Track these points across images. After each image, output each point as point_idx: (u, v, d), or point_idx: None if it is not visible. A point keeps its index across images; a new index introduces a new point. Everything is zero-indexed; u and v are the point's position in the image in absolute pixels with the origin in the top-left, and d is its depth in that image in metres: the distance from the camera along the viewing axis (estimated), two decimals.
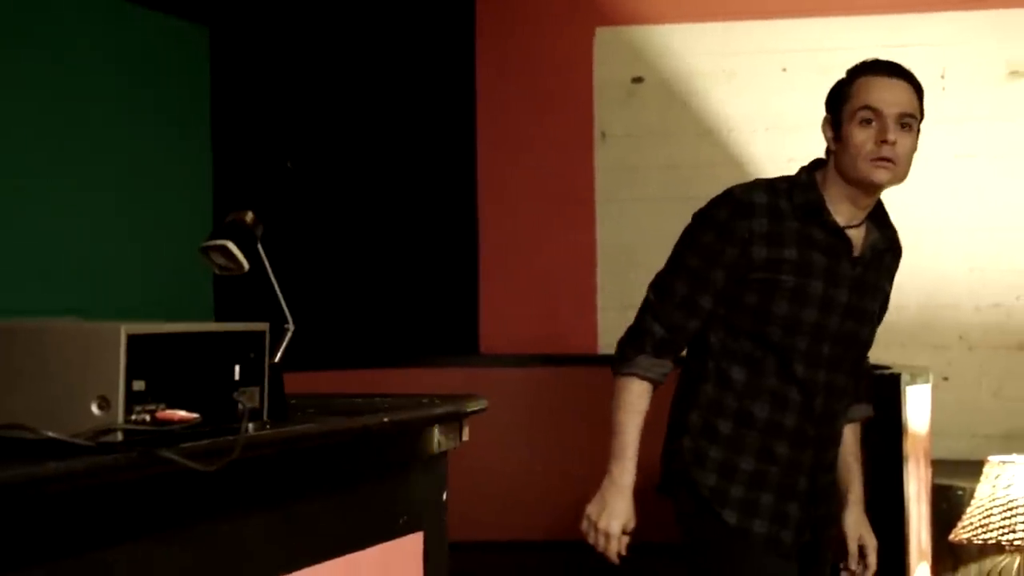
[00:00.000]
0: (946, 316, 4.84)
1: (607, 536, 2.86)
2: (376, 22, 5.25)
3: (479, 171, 5.24)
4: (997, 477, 4.41)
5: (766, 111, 5.01)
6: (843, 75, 2.84)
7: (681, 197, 5.08)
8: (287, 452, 2.01)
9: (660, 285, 2.84)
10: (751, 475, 2.78)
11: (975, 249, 4.81)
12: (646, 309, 2.85)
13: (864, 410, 3.01)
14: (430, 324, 5.21)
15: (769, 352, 2.74)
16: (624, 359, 2.86)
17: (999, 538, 4.37)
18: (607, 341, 5.12)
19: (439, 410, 2.51)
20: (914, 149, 2.76)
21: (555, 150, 5.19)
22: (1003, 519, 4.36)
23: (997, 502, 4.38)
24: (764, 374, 2.75)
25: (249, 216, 2.26)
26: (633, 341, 2.85)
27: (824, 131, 2.83)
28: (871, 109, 2.72)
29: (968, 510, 4.47)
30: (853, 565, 2.96)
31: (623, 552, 2.86)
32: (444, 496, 2.63)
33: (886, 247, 2.85)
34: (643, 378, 2.84)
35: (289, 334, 2.24)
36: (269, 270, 2.25)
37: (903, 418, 4.09)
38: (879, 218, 2.84)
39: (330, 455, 2.15)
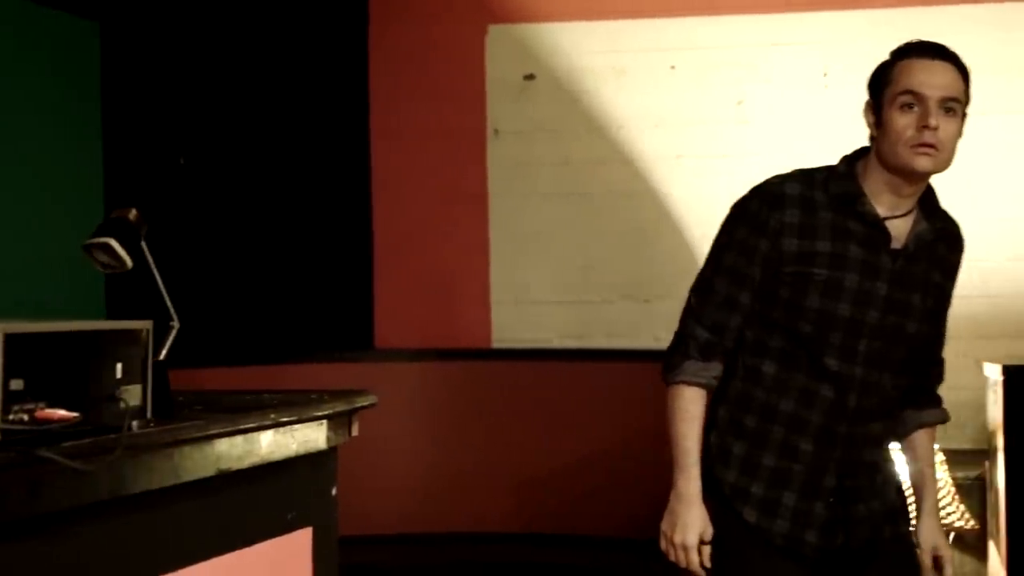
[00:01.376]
0: None
1: (685, 549, 2.73)
2: (268, 18, 5.25)
3: (373, 167, 5.26)
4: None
5: (655, 108, 5.09)
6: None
7: (572, 192, 5.16)
8: (172, 449, 2.02)
9: (700, 286, 2.77)
10: (772, 472, 2.68)
11: None
12: (688, 313, 2.77)
13: (936, 415, 2.88)
14: (325, 320, 5.22)
15: (801, 347, 2.64)
16: (672, 367, 2.77)
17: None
18: (500, 335, 5.17)
19: (327, 406, 2.53)
20: (959, 135, 2.62)
21: (448, 146, 5.23)
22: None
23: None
24: (795, 369, 2.65)
25: (133, 213, 2.27)
26: (679, 347, 2.76)
27: (865, 116, 2.70)
28: (913, 93, 2.59)
29: None
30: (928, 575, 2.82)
31: (706, 563, 2.72)
32: (334, 491, 2.65)
33: (936, 238, 2.69)
34: (693, 384, 2.74)
35: (174, 331, 2.25)
36: (153, 267, 2.26)
37: None
38: (929, 207, 2.70)
39: (216, 452, 2.17)
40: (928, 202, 2.70)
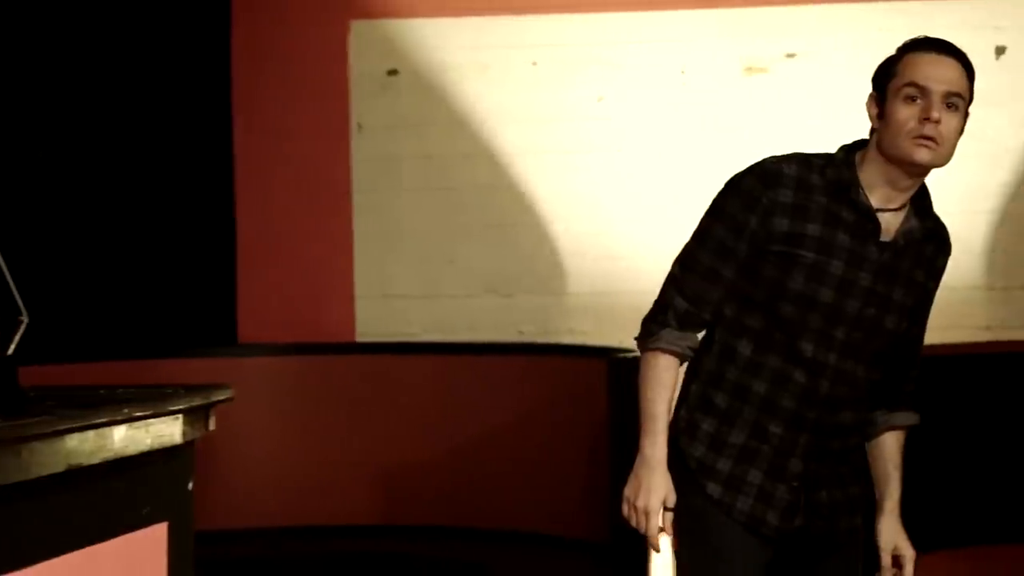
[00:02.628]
0: None
1: (647, 514, 2.67)
2: (131, 13, 5.20)
3: (236, 163, 5.25)
4: None
5: (517, 103, 5.14)
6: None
7: (436, 187, 5.19)
8: (20, 445, 2.01)
9: (685, 257, 2.71)
10: (740, 449, 2.65)
11: None
12: (670, 282, 2.72)
13: (907, 417, 2.83)
14: (188, 315, 5.20)
15: (778, 328, 2.62)
16: (648, 334, 2.71)
17: None
18: (364, 329, 5.19)
19: (183, 400, 2.51)
20: (960, 131, 2.60)
21: (312, 141, 5.23)
22: None
23: None
24: (770, 351, 2.63)
25: None
26: (657, 315, 2.71)
27: (868, 108, 2.67)
28: (917, 86, 2.58)
29: None
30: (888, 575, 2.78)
31: (666, 530, 2.67)
32: (190, 486, 2.63)
33: (925, 237, 2.67)
34: (668, 352, 2.68)
35: (23, 326, 2.23)
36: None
37: None
38: (922, 206, 2.67)
39: (66, 447, 2.16)
40: (921, 201, 2.67)
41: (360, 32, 5.20)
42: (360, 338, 5.18)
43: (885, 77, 2.64)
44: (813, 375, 2.61)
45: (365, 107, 5.22)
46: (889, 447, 2.80)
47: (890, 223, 2.62)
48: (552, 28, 5.12)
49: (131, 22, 5.19)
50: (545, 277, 5.13)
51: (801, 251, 2.58)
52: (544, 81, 5.12)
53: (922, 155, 2.56)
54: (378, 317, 5.19)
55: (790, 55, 5.00)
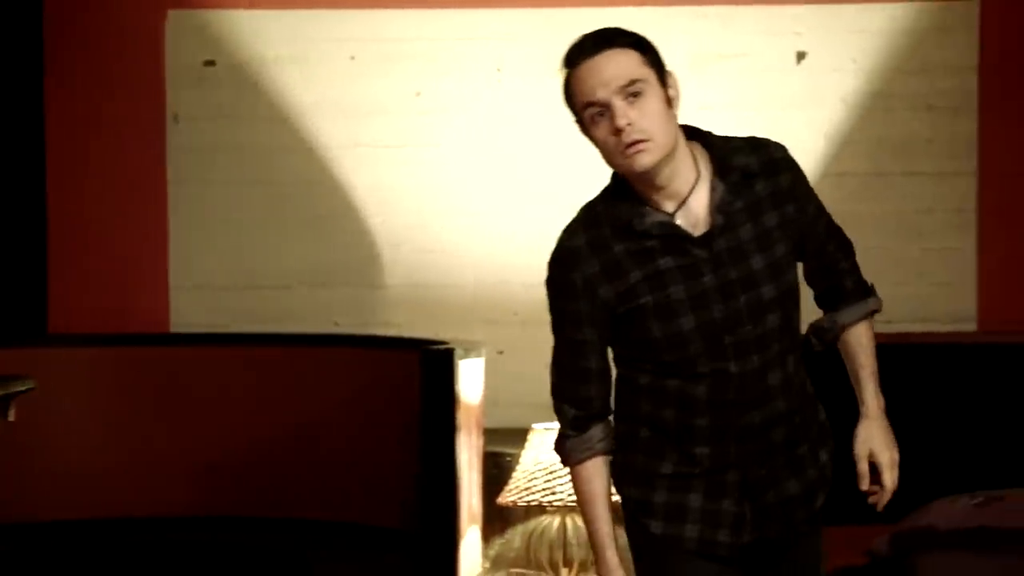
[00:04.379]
0: (502, 294, 5.14)
1: None
2: None
3: (48, 153, 5.18)
4: (541, 443, 4.74)
5: (336, 97, 5.18)
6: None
7: (253, 180, 5.21)
8: None
9: (553, 362, 2.68)
10: (671, 479, 2.59)
11: (528, 229, 5.12)
12: (552, 392, 2.69)
13: (854, 311, 2.71)
14: None
15: (669, 366, 2.53)
16: (559, 453, 2.68)
17: (542, 500, 4.70)
18: (178, 320, 5.18)
19: None
20: (661, 110, 2.47)
21: (127, 132, 5.20)
22: (546, 482, 4.69)
23: (541, 466, 4.70)
24: (668, 376, 2.54)
25: None
26: (559, 432, 2.68)
27: (584, 134, 2.57)
28: (592, 104, 2.47)
29: (514, 474, 4.79)
30: (862, 486, 2.65)
31: None
32: None
33: (741, 188, 2.52)
34: (580, 462, 2.63)
35: None
36: None
37: (456, 391, 4.34)
38: (721, 162, 2.53)
39: None
40: (717, 157, 2.54)
41: (177, 22, 5.18)
42: (174, 329, 5.16)
43: (571, 106, 2.54)
44: (716, 389, 2.51)
45: (181, 98, 5.20)
46: (850, 348, 2.70)
47: (698, 209, 2.50)
48: (370, 22, 5.17)
49: None
50: (361, 269, 5.18)
51: (639, 301, 2.49)
52: (362, 75, 5.17)
53: (642, 161, 2.45)
54: (193, 308, 5.18)
55: None
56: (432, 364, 4.34)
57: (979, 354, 4.75)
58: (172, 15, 5.18)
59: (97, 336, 4.99)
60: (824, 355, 2.77)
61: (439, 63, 5.17)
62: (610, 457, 2.64)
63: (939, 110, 5.12)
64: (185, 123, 5.20)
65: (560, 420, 2.68)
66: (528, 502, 4.72)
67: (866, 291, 2.74)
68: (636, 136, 2.45)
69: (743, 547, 2.60)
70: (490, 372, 4.90)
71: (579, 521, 4.79)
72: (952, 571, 3.92)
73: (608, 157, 2.52)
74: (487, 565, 4.98)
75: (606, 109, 2.46)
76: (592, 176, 5.36)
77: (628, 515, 2.65)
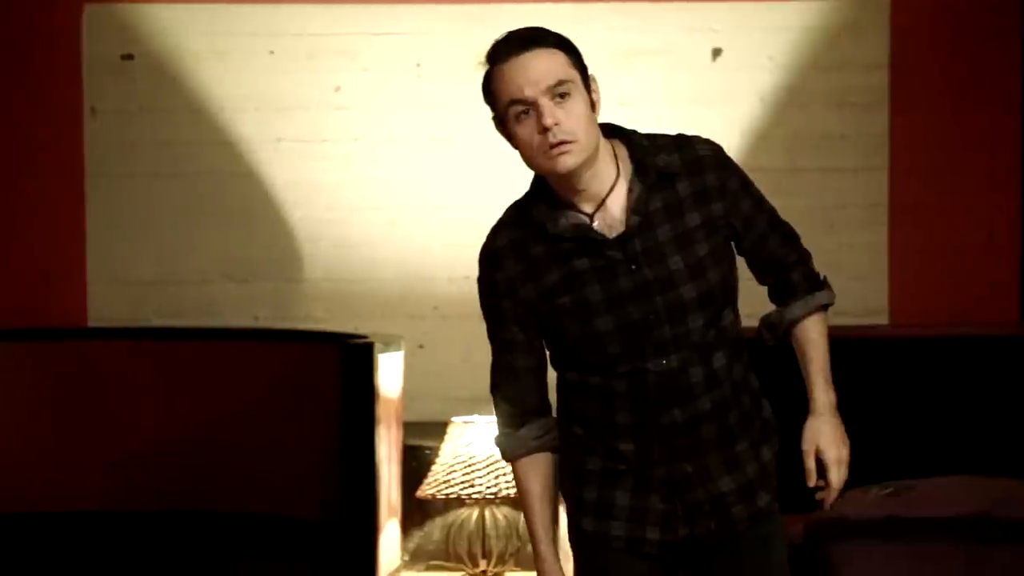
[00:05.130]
0: (423, 288, 5.17)
1: None
2: None
3: None
4: (460, 436, 4.77)
5: (255, 92, 5.18)
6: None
7: (172, 174, 5.19)
8: None
9: (492, 360, 2.67)
10: (600, 475, 2.57)
11: (448, 225, 5.16)
12: (491, 388, 2.68)
13: (802, 306, 2.67)
14: None
15: (590, 365, 2.53)
16: (499, 449, 2.68)
17: (460, 493, 4.73)
18: (96, 315, 5.16)
19: None
20: (586, 112, 2.45)
21: (43, 125, 5.16)
22: (464, 475, 4.72)
23: (459, 460, 4.73)
24: (591, 373, 2.54)
25: None
26: (497, 428, 2.69)
27: (501, 133, 2.56)
28: (518, 101, 2.45)
29: (433, 468, 4.82)
30: (809, 482, 2.63)
31: None
32: None
33: (660, 187, 2.50)
34: (517, 457, 2.64)
35: None
36: None
37: (375, 384, 4.36)
38: (640, 162, 2.52)
39: None
40: (636, 157, 2.53)
41: (94, 16, 5.16)
42: (93, 324, 5.14)
43: (491, 102, 2.53)
44: (634, 385, 2.50)
45: (99, 91, 5.17)
46: (800, 343, 2.67)
47: (615, 210, 2.50)
48: (290, 17, 5.17)
49: None
50: (281, 264, 5.19)
51: (557, 302, 2.50)
52: (281, 70, 5.17)
53: (565, 162, 2.44)
54: (111, 303, 5.16)
55: None
56: (351, 358, 4.36)
57: (890, 348, 4.84)
58: (89, 9, 5.15)
59: (14, 331, 4.96)
60: (778, 349, 2.76)
61: (359, 58, 5.19)
62: (549, 454, 2.64)
63: (852, 106, 5.21)
64: (103, 117, 5.17)
65: (496, 416, 2.69)
66: (447, 495, 4.75)
67: (815, 285, 2.70)
68: (561, 136, 2.43)
69: (676, 545, 2.58)
70: (410, 366, 4.92)
71: (498, 513, 4.85)
72: (863, 560, 4.00)
73: (529, 157, 2.51)
74: (406, 558, 5.01)
75: (532, 108, 2.45)
76: (511, 173, 5.41)
77: (567, 512, 2.66)
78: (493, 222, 5.32)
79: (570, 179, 2.50)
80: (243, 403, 4.77)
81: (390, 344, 4.65)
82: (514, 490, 4.68)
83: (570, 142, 2.44)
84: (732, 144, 5.14)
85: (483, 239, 5.07)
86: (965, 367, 4.76)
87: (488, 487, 4.68)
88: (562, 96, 2.44)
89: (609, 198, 2.52)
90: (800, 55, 5.20)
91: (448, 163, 5.18)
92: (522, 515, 2.79)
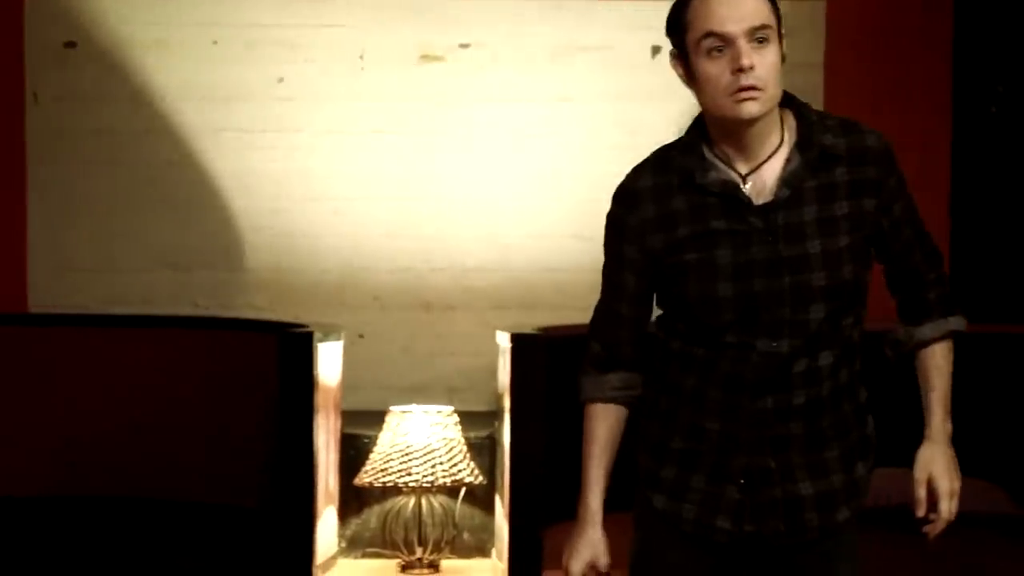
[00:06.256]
0: (363, 278, 5.21)
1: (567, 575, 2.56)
2: None
3: None
4: (397, 425, 4.82)
5: (198, 81, 5.19)
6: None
7: (114, 161, 5.20)
8: None
9: (599, 299, 2.59)
10: (681, 454, 2.48)
11: (390, 217, 5.20)
12: (589, 327, 2.60)
13: (935, 328, 2.54)
14: None
15: (701, 329, 2.42)
16: (578, 388, 2.60)
17: (397, 481, 4.78)
18: (37, 301, 5.16)
19: None
20: (778, 62, 2.36)
21: None
22: (401, 464, 4.77)
23: (396, 448, 4.78)
24: (697, 343, 2.44)
25: None
26: (582, 366, 2.60)
27: (674, 68, 2.44)
28: (716, 35, 2.32)
29: (371, 456, 4.87)
30: (919, 512, 2.51)
31: None
32: None
33: (820, 167, 2.39)
34: (594, 401, 2.56)
35: None
36: None
37: (314, 373, 4.40)
38: (804, 137, 2.40)
39: None
40: (803, 130, 2.41)
41: (37, 3, 5.16)
42: (33, 310, 5.15)
43: (678, 31, 2.40)
44: (737, 361, 2.40)
45: (41, 79, 5.18)
46: (924, 367, 2.55)
47: (768, 178, 2.39)
48: (233, 8, 5.19)
49: None
50: (223, 253, 5.21)
51: (684, 257, 2.39)
52: (225, 60, 5.19)
53: (749, 108, 2.32)
54: (53, 290, 5.17)
55: (464, 45, 5.22)
56: (290, 347, 4.39)
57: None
58: None
59: None
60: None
61: (302, 50, 5.22)
62: (623, 409, 2.57)
63: None
64: (45, 104, 5.18)
65: (586, 355, 2.59)
66: (384, 483, 4.80)
67: (950, 309, 2.57)
68: (753, 81, 2.32)
69: (743, 539, 2.48)
70: (350, 355, 4.97)
71: (434, 502, 4.90)
72: None
73: (711, 96, 2.36)
74: (343, 545, 5.05)
75: (727, 46, 2.33)
76: (453, 165, 5.47)
77: (639, 483, 2.57)
78: (433, 214, 5.41)
79: (740, 130, 2.38)
80: (182, 390, 4.79)
81: (330, 333, 4.69)
82: (450, 478, 4.75)
83: (759, 88, 2.32)
84: (673, 138, 5.21)
85: (422, 230, 5.17)
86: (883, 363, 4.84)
87: (425, 475, 4.73)
88: (760, 41, 2.33)
89: (767, 164, 2.39)
90: None
91: (390, 155, 5.23)
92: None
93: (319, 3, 5.21)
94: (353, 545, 5.12)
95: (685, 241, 2.40)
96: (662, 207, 2.42)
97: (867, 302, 2.52)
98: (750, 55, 2.31)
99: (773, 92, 2.35)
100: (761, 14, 2.33)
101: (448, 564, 4.94)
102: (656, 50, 5.21)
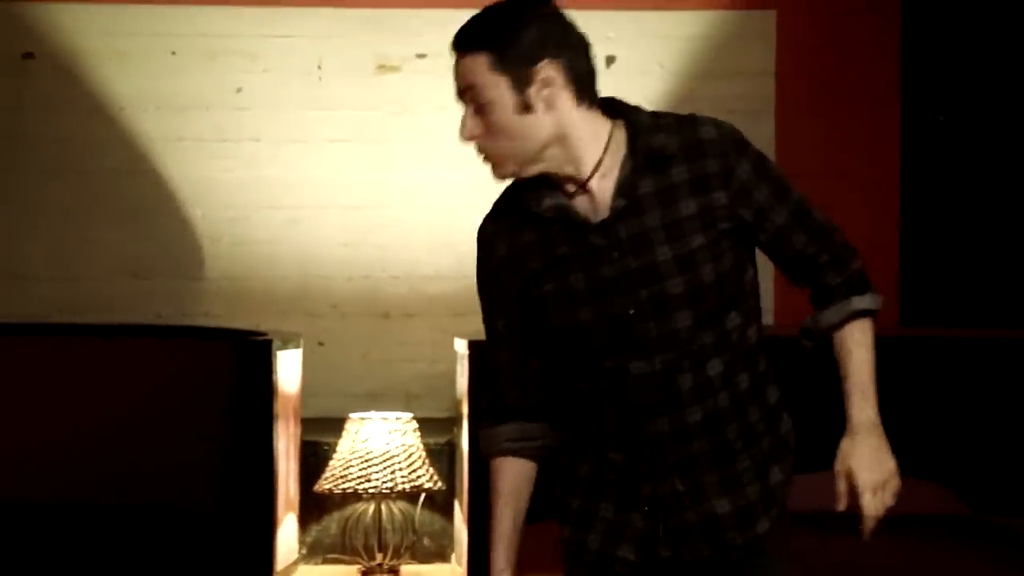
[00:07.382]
0: (322, 287, 5.25)
1: None
2: None
3: None
4: (357, 432, 4.86)
5: (156, 91, 5.22)
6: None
7: (73, 170, 5.22)
8: None
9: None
10: (588, 483, 2.38)
11: (347, 225, 5.24)
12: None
13: (836, 312, 2.38)
14: None
15: (576, 360, 2.35)
16: (478, 441, 2.49)
17: (357, 487, 4.81)
18: None
19: None
20: (508, 121, 2.24)
21: None
22: (361, 470, 4.80)
23: (356, 455, 4.81)
24: (578, 374, 2.36)
25: None
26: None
27: None
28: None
29: (331, 463, 4.90)
30: (839, 507, 2.34)
31: None
32: None
33: (655, 170, 2.27)
34: (488, 454, 2.45)
35: None
36: None
37: (274, 381, 4.43)
38: (633, 142, 2.28)
39: None
40: (632, 137, 2.29)
41: None
42: None
43: None
44: (617, 386, 2.30)
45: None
46: (837, 354, 2.40)
47: (603, 194, 2.29)
48: (191, 18, 5.22)
49: None
50: (182, 261, 5.23)
51: (543, 289, 2.32)
52: (183, 70, 5.22)
53: (495, 175, 2.32)
54: (11, 298, 5.17)
55: (420, 55, 5.26)
56: (249, 355, 4.42)
57: (775, 347, 4.98)
58: None
59: None
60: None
61: (260, 60, 5.25)
62: (526, 462, 2.44)
63: (739, 113, 5.33)
64: (3, 114, 5.19)
65: (480, 409, 2.53)
66: (344, 489, 4.83)
67: (854, 288, 2.42)
68: (481, 152, 2.30)
69: (654, 568, 2.37)
70: (309, 363, 5.00)
71: (394, 508, 4.94)
72: None
73: None
74: (304, 551, 5.08)
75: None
76: (410, 174, 5.50)
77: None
78: (390, 223, 5.43)
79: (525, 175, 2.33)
80: (142, 399, 4.80)
81: (289, 341, 4.72)
82: (409, 485, 4.79)
83: (488, 159, 2.30)
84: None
85: (380, 239, 5.21)
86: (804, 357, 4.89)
87: (384, 482, 4.77)
88: (476, 105, 2.26)
89: (598, 181, 2.28)
90: (689, 63, 5.35)
91: (347, 164, 5.26)
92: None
93: (277, 14, 5.25)
94: (313, 551, 5.15)
95: (540, 274, 2.32)
96: (513, 244, 2.35)
97: (759, 298, 2.42)
98: (470, 127, 2.27)
99: (512, 152, 2.27)
100: (468, 76, 2.25)
101: (408, 569, 4.98)
102: (611, 60, 5.28)
